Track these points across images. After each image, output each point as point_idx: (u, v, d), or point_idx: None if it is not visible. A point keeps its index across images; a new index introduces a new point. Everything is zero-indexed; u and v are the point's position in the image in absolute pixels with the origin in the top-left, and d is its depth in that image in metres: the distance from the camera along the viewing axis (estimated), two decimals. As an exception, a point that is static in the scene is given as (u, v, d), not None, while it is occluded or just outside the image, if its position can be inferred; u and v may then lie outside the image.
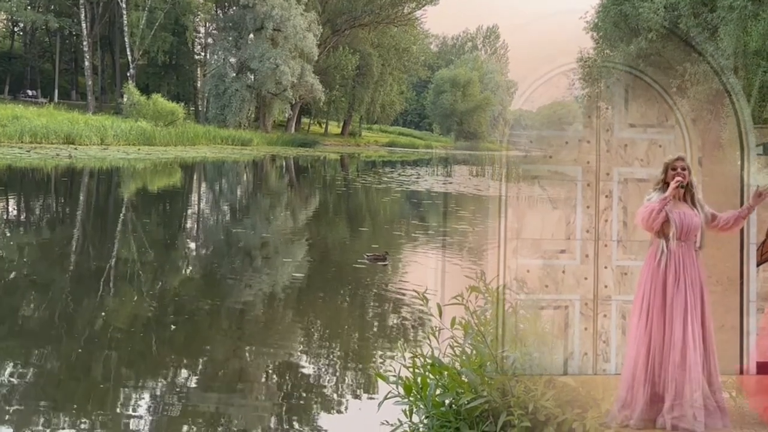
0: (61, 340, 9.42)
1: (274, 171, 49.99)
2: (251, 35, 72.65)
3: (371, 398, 7.87)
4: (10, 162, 35.69)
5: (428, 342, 5.63)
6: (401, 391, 5.48)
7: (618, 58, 30.10)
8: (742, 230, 5.57)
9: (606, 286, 5.82)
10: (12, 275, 13.40)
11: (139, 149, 49.91)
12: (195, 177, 41.00)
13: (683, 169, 5.14)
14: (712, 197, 5.45)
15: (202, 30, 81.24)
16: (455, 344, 5.70)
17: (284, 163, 55.29)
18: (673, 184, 5.07)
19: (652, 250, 5.18)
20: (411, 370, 5.52)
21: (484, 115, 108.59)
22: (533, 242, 5.81)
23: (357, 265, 15.21)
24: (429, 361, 5.51)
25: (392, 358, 9.17)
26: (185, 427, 7.04)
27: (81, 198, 26.85)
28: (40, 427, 6.81)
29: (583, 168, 5.79)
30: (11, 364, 8.42)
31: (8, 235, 18.01)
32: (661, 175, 5.22)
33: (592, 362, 5.86)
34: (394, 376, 5.53)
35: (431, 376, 5.48)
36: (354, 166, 57.51)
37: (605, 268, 5.83)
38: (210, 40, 79.80)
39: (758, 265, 5.70)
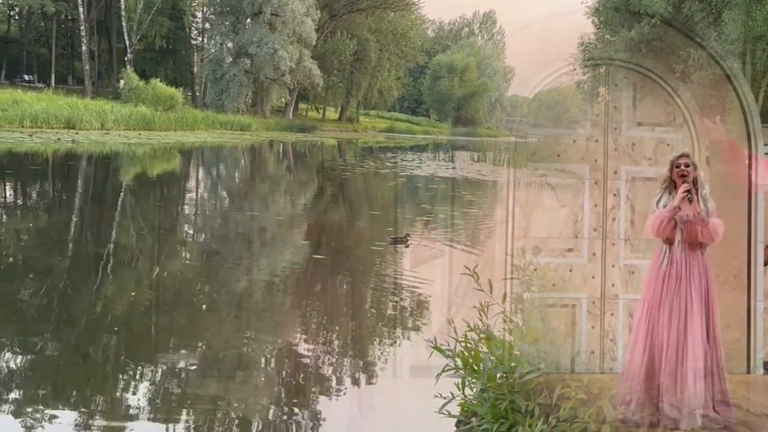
0: (59, 326, 9.43)
1: (273, 156, 49.89)
2: (249, 20, 72.20)
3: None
4: (11, 146, 35.57)
5: (480, 317, 5.71)
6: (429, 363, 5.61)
7: (619, 44, 30.00)
8: (749, 230, 5.57)
9: (613, 285, 5.83)
10: (10, 260, 13.39)
11: (139, 134, 49.73)
12: (196, 162, 40.96)
13: (687, 166, 5.10)
14: (719, 197, 5.44)
15: (199, 15, 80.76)
16: (507, 319, 5.79)
17: (281, 148, 55.17)
18: (680, 193, 5.05)
19: (658, 251, 5.19)
20: (463, 344, 5.62)
21: (481, 101, 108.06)
22: (541, 240, 5.81)
23: (374, 248, 15.23)
24: (483, 335, 5.61)
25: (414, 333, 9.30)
26: (185, 411, 7.02)
27: (82, 183, 26.81)
28: (39, 413, 6.82)
29: (591, 166, 5.78)
30: (10, 349, 8.43)
31: (6, 220, 18.00)
32: (668, 172, 5.21)
33: (599, 361, 5.88)
34: (449, 350, 5.63)
35: (484, 349, 5.59)
36: (352, 152, 57.39)
37: (612, 266, 5.83)
38: (207, 25, 79.35)
39: (765, 264, 5.70)
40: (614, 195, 5.77)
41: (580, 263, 5.82)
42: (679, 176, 5.12)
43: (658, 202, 5.18)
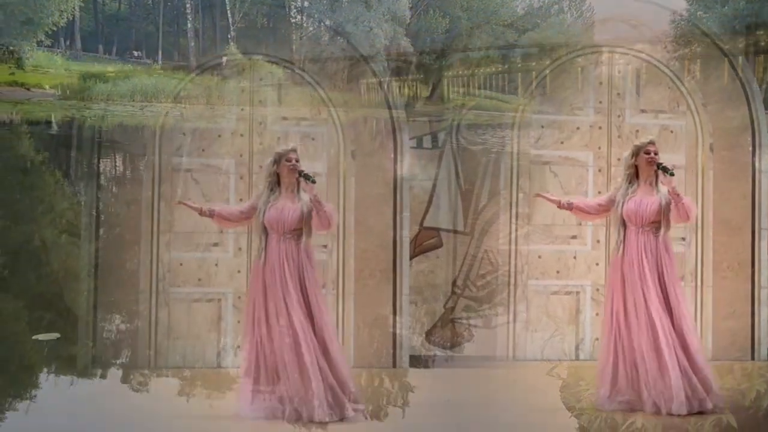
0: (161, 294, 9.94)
1: (367, 131, 50.24)
2: (346, -2, 72.88)
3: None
4: (123, 119, 37.11)
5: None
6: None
7: (712, 20, 28.81)
8: (752, 217, 5.53)
9: (616, 271, 5.88)
10: (117, 230, 14.04)
11: (242, 109, 51.21)
12: (295, 136, 41.70)
13: (656, 153, 4.89)
14: (722, 184, 5.43)
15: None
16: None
17: (374, 125, 55.49)
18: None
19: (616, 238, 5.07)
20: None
21: (570, 80, 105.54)
22: (544, 227, 5.92)
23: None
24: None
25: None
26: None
27: (187, 155, 27.69)
28: (147, 371, 7.33)
29: (595, 153, 5.84)
30: (118, 314, 8.99)
31: (117, 191, 18.83)
32: (631, 158, 4.96)
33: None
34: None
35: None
36: (443, 128, 57.23)
37: (616, 253, 5.87)
38: (306, 4, 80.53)
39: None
40: (618, 182, 5.79)
41: (584, 250, 5.89)
42: (648, 163, 4.89)
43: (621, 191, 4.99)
